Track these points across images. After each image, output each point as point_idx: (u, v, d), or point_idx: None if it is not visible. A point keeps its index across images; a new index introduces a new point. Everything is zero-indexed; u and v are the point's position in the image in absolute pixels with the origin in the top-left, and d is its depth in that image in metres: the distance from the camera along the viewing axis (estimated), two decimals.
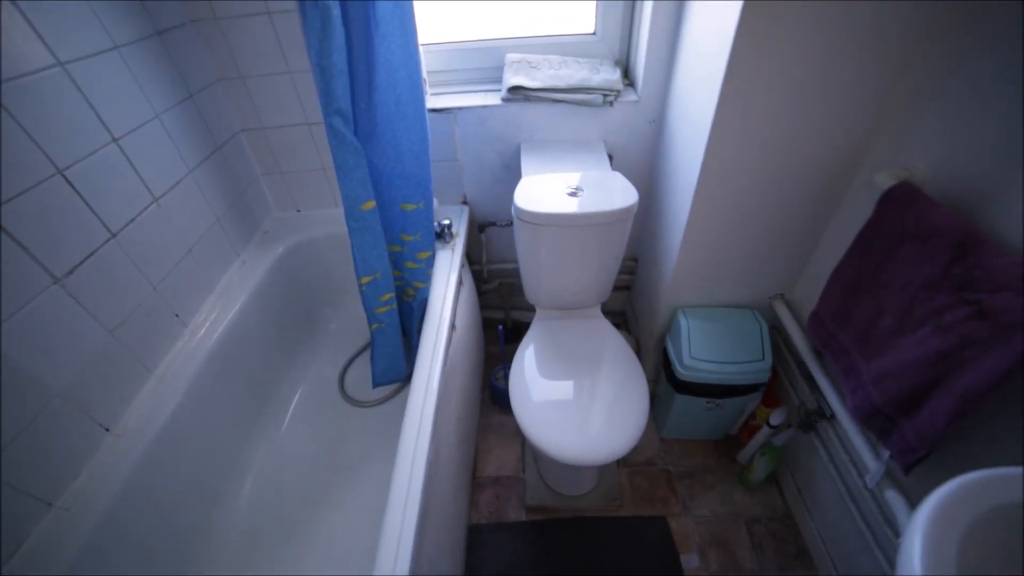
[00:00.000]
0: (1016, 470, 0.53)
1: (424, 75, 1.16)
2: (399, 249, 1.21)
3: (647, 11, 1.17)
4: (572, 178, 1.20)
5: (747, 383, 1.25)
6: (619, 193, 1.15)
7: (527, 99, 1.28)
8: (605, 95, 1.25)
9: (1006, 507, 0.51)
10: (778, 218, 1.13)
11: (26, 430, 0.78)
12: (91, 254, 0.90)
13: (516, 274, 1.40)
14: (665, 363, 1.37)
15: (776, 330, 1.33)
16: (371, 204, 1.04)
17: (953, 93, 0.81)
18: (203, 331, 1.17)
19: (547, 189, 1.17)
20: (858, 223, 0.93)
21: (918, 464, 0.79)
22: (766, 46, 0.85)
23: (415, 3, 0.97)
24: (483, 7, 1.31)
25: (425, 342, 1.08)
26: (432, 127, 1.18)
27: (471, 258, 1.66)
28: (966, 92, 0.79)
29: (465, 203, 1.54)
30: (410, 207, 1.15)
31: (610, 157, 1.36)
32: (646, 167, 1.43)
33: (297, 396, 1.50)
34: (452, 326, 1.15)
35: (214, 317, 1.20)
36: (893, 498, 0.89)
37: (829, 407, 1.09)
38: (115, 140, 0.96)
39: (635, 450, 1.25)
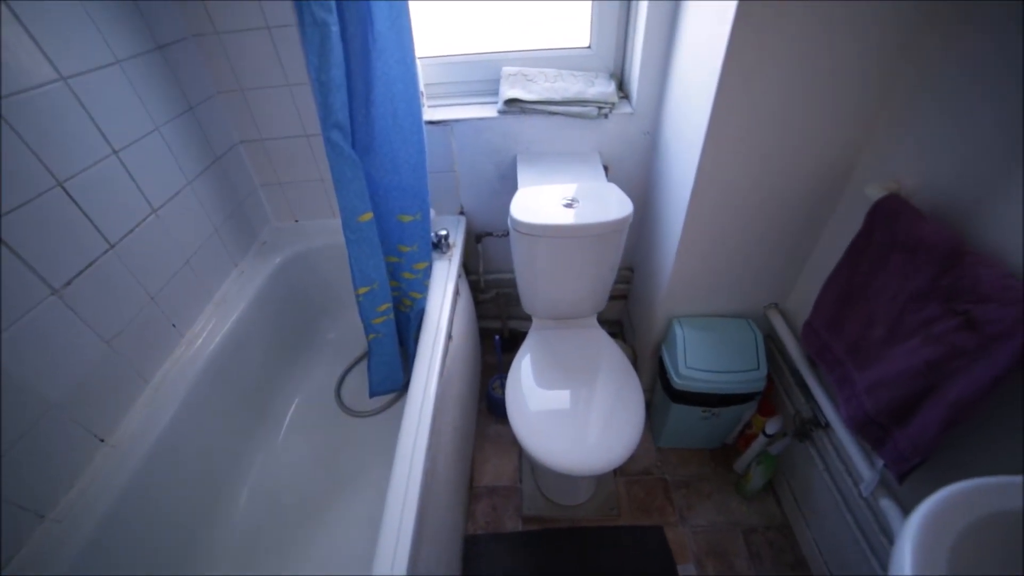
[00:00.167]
0: (1009, 479, 0.54)
1: (421, 88, 1.18)
2: (396, 260, 1.22)
3: (641, 26, 1.19)
4: (568, 189, 1.21)
5: (743, 392, 1.26)
6: (614, 204, 1.16)
7: (523, 111, 1.30)
8: (600, 107, 1.27)
9: (998, 515, 0.52)
10: (772, 228, 1.14)
11: (19, 441, 0.78)
12: (89, 265, 0.91)
13: (513, 284, 1.41)
14: (661, 372, 1.38)
15: (771, 339, 1.34)
16: (368, 216, 1.05)
17: (934, 109, 0.83)
18: (200, 341, 1.17)
19: (543, 200, 1.18)
20: (850, 233, 0.94)
21: (912, 472, 0.79)
22: (756, 63, 0.88)
23: (413, 18, 0.99)
24: (480, 21, 1.33)
25: (422, 352, 1.08)
26: (429, 139, 1.19)
27: (468, 268, 1.67)
28: (947, 108, 0.81)
29: (462, 214, 1.55)
30: (407, 218, 1.16)
31: (605, 168, 1.37)
32: (641, 178, 1.44)
33: (294, 406, 1.49)
34: (449, 336, 1.15)
35: (211, 327, 1.21)
36: (888, 507, 0.89)
37: (824, 416, 1.09)
38: (115, 152, 0.97)
39: (632, 460, 1.24)
